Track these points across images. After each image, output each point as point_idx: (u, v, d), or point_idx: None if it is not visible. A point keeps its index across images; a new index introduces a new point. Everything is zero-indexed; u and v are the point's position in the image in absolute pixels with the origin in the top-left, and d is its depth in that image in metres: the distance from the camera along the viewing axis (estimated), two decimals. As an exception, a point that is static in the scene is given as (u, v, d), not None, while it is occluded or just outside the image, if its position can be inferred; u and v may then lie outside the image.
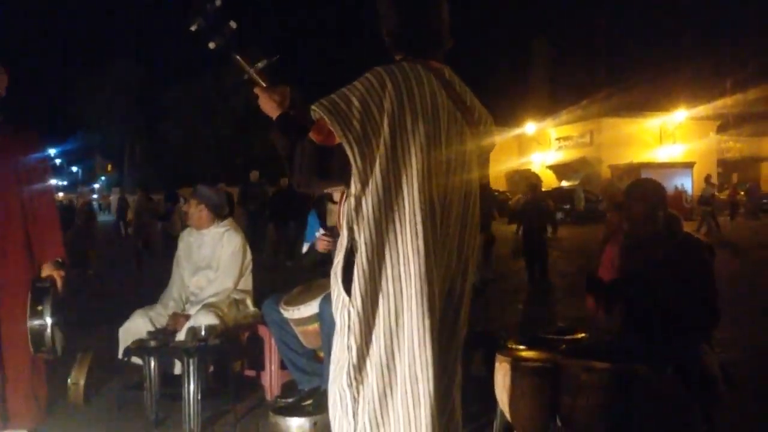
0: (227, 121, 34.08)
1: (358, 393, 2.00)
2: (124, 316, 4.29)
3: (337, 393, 2.06)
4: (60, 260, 3.40)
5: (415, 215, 1.96)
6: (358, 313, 1.96)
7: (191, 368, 3.63)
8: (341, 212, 2.31)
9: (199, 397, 3.60)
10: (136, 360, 3.99)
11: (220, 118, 34.03)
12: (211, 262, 4.48)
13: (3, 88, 3.31)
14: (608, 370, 2.56)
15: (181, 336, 4.02)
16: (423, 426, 1.99)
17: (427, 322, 1.96)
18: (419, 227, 1.96)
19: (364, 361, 1.99)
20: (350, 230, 1.97)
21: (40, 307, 3.15)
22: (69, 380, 4.09)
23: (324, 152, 1.96)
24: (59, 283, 3.32)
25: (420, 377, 1.97)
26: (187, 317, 4.17)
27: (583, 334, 3.41)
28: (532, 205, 10.04)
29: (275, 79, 2.05)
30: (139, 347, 3.90)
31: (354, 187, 1.95)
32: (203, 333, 3.88)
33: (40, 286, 3.24)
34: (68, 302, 3.44)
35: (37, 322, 3.14)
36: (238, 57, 2.03)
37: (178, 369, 4.03)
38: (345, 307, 1.99)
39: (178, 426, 3.63)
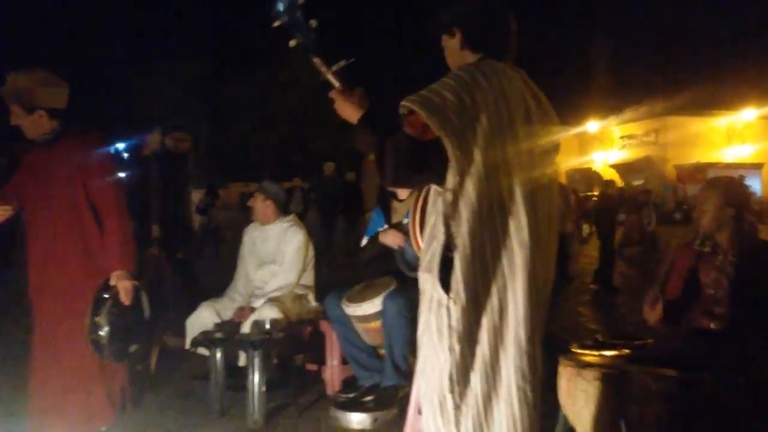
0: (285, 118, 34.53)
1: (461, 399, 1.89)
2: (192, 307, 4.43)
3: (435, 400, 1.94)
4: (125, 270, 3.35)
5: (517, 207, 1.91)
6: (462, 311, 1.86)
7: (256, 360, 3.72)
8: (417, 208, 2.20)
9: (263, 389, 3.69)
10: (202, 350, 4.12)
11: (278, 114, 34.51)
12: (275, 256, 4.57)
13: (64, 101, 3.38)
14: (677, 379, 2.51)
15: (245, 328, 4.12)
16: (528, 427, 1.92)
17: (532, 317, 1.91)
18: (523, 219, 1.91)
19: (468, 363, 1.88)
20: (446, 225, 1.88)
21: (98, 319, 3.19)
22: (138, 368, 4.24)
23: (421, 147, 1.88)
24: (122, 294, 3.30)
25: (528, 376, 1.92)
26: (252, 310, 4.26)
27: (649, 340, 3.35)
28: (606, 204, 9.76)
29: (350, 82, 2.05)
30: (206, 338, 4.03)
31: (451, 180, 1.87)
32: (267, 326, 3.97)
33: (100, 297, 3.26)
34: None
35: (94, 334, 3.19)
36: (316, 57, 2.04)
37: (242, 361, 4.13)
38: (442, 307, 1.89)
39: (242, 417, 3.72)
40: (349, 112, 2.02)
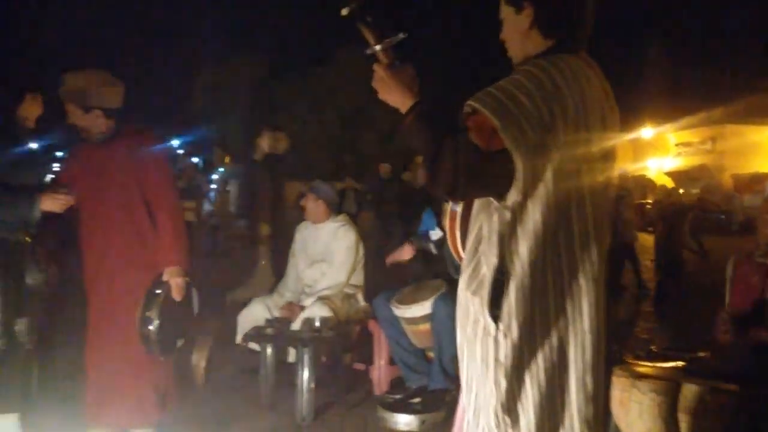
0: (336, 118, 34.82)
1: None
2: (243, 303, 4.51)
3: (481, 428, 1.78)
4: (179, 266, 3.39)
5: (588, 235, 1.70)
6: (513, 346, 1.66)
7: (305, 357, 3.77)
8: (456, 216, 1.98)
9: (312, 386, 3.74)
10: (253, 345, 4.19)
11: (329, 114, 34.83)
12: (326, 255, 4.62)
13: (119, 100, 3.44)
14: (735, 393, 2.46)
15: (295, 326, 4.18)
16: None
17: (600, 360, 1.71)
18: (594, 250, 1.70)
19: (517, 400, 1.69)
20: (500, 246, 1.67)
21: (148, 313, 3.24)
22: (191, 361, 4.34)
23: (485, 158, 1.63)
24: (174, 290, 3.34)
25: (592, 423, 1.72)
26: (302, 308, 4.32)
27: (704, 352, 3.28)
28: (670, 212, 9.44)
29: (402, 60, 1.80)
30: (257, 333, 4.10)
31: (513, 197, 1.66)
32: (317, 324, 4.02)
33: (151, 292, 3.31)
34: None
35: (144, 328, 3.23)
36: (365, 28, 1.78)
37: (291, 357, 4.19)
38: (489, 336, 1.68)
39: (291, 412, 3.78)
40: (396, 95, 1.75)
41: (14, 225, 3.12)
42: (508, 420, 1.69)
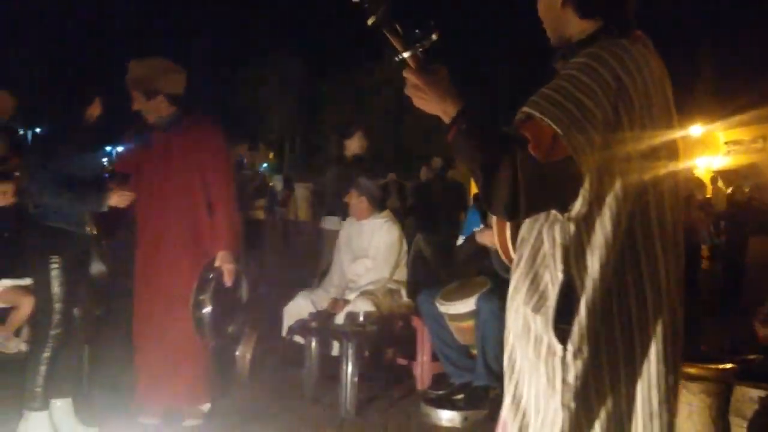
0: (379, 114, 34.88)
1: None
2: (288, 296, 4.57)
3: None
4: (231, 252, 3.49)
5: (653, 244, 1.56)
6: (584, 366, 1.54)
7: (349, 351, 3.81)
8: (522, 233, 1.71)
9: (356, 380, 3.77)
10: (297, 338, 4.25)
11: (372, 110, 34.91)
12: (369, 251, 4.65)
13: (182, 87, 3.54)
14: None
15: (339, 320, 4.22)
16: None
17: (667, 377, 1.58)
18: (660, 261, 1.56)
19: (583, 423, 1.58)
20: (565, 260, 1.53)
21: (202, 297, 3.33)
22: (237, 353, 4.41)
23: (550, 171, 1.47)
24: (227, 276, 3.43)
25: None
26: (346, 302, 4.36)
27: (755, 355, 3.21)
28: (735, 213, 9.10)
29: (432, 63, 1.63)
30: (302, 327, 4.16)
31: (577, 208, 1.51)
32: (361, 319, 4.06)
33: (205, 277, 3.40)
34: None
35: (198, 312, 3.33)
36: (392, 35, 1.63)
37: (335, 351, 4.23)
38: (555, 356, 1.54)
39: (334, 406, 3.82)
40: (434, 103, 1.58)
41: (81, 219, 3.24)
42: None
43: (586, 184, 1.49)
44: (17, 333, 4.30)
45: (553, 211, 1.56)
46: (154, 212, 3.50)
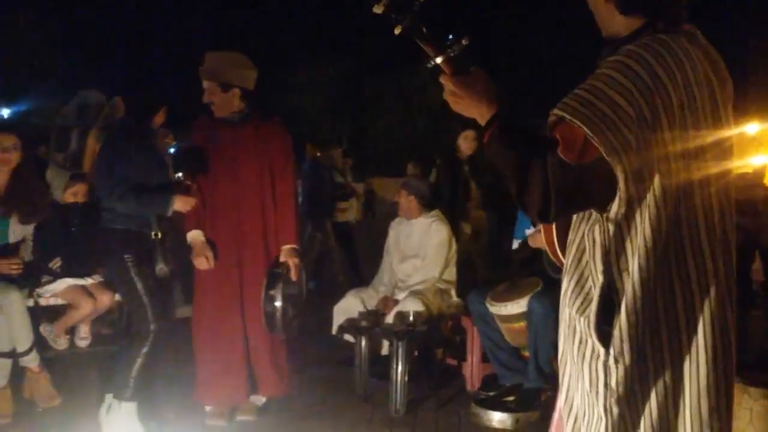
0: (424, 114, 34.85)
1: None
2: (338, 295, 4.61)
3: None
4: (295, 247, 3.58)
5: (701, 242, 1.52)
6: (625, 372, 1.50)
7: (399, 351, 3.81)
8: (570, 234, 1.68)
9: (406, 379, 3.78)
10: (348, 337, 4.28)
11: (417, 111, 34.90)
12: (418, 251, 4.66)
13: (253, 83, 3.59)
14: None
15: (389, 319, 4.24)
16: None
17: (718, 383, 1.53)
18: (708, 260, 1.52)
19: (628, 428, 1.55)
20: (606, 262, 1.52)
21: (272, 292, 3.40)
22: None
23: (582, 173, 1.46)
24: (293, 271, 3.51)
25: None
26: (396, 302, 4.37)
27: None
28: None
29: (465, 65, 1.62)
30: (352, 326, 4.19)
31: (615, 209, 1.49)
32: (411, 318, 4.07)
33: (274, 272, 3.47)
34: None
35: (269, 306, 3.40)
36: (422, 41, 1.63)
37: (385, 350, 4.25)
38: (598, 360, 1.53)
39: (384, 404, 3.83)
40: (471, 107, 1.57)
41: (146, 221, 3.34)
42: None
43: (622, 185, 1.46)
44: (70, 331, 4.43)
45: (594, 212, 1.54)
46: (227, 206, 3.52)
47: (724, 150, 1.56)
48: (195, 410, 3.64)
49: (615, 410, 1.52)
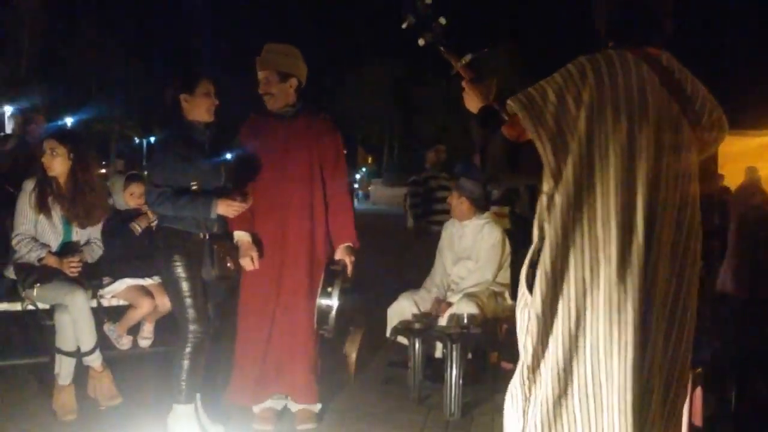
0: (474, 118, 34.74)
1: (529, 392, 1.95)
2: (392, 297, 4.60)
3: (510, 390, 2.04)
4: (351, 245, 3.57)
5: (609, 219, 1.83)
6: (537, 315, 1.89)
7: (454, 353, 3.78)
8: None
9: (461, 382, 3.74)
10: (401, 339, 4.26)
11: (467, 115, 34.79)
12: (471, 253, 4.62)
13: (305, 78, 3.60)
14: None
15: (442, 321, 4.21)
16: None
17: (616, 332, 1.84)
18: (613, 232, 1.82)
19: (539, 364, 1.93)
20: (540, 229, 1.90)
21: (330, 289, 3.40)
22: (344, 352, 4.47)
23: (513, 148, 1.93)
24: (349, 268, 3.51)
25: (605, 385, 1.87)
26: (449, 304, 4.34)
27: None
28: None
29: (482, 73, 2.10)
30: (405, 328, 4.17)
31: (546, 184, 1.88)
32: (465, 321, 4.03)
33: (332, 269, 3.46)
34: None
35: (325, 302, 3.40)
36: (446, 52, 2.15)
37: (438, 352, 4.23)
38: (526, 307, 1.93)
39: (439, 407, 3.81)
40: (473, 103, 2.07)
41: (197, 222, 3.34)
42: (531, 377, 1.94)
43: (546, 166, 1.87)
44: (135, 331, 4.54)
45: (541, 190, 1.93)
46: (278, 201, 3.50)
47: (640, 150, 1.84)
48: (243, 413, 3.65)
49: (530, 348, 1.93)
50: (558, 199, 1.86)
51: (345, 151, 3.80)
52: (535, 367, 1.93)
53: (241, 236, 3.50)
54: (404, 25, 2.15)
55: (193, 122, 3.42)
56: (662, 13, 1.96)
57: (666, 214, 1.86)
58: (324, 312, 3.41)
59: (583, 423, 1.89)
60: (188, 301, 3.29)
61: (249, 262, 3.46)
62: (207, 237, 3.35)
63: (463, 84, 2.10)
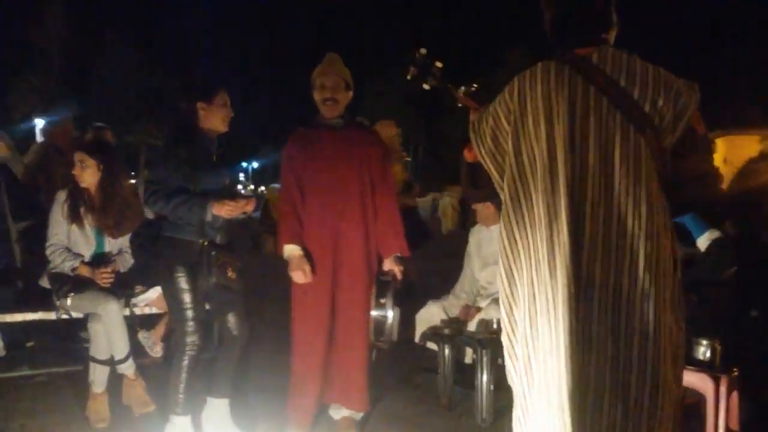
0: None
1: (513, 393, 2.20)
2: (421, 303, 4.59)
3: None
4: (400, 254, 3.51)
5: (540, 222, 1.99)
6: (504, 317, 2.15)
7: (484, 359, 3.76)
8: None
9: (491, 388, 3.72)
10: (430, 345, 4.25)
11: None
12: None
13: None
14: None
15: (472, 327, 4.19)
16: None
17: (560, 328, 1.95)
18: (544, 234, 1.98)
19: (512, 364, 2.16)
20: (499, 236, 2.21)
21: (383, 300, 3.36)
22: (372, 356, 4.47)
23: (472, 168, 2.35)
24: (398, 277, 3.45)
25: (551, 384, 1.97)
26: (478, 309, 4.32)
27: None
28: None
29: (483, 100, 2.36)
30: (434, 333, 4.16)
31: (500, 195, 2.16)
32: (494, 326, 4.00)
33: (383, 280, 3.43)
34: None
35: (379, 313, 3.36)
36: (450, 87, 2.50)
37: (468, 358, 4.20)
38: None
39: (470, 413, 3.79)
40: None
41: (201, 230, 3.30)
42: (510, 378, 2.21)
43: (493, 179, 2.21)
44: (166, 338, 4.58)
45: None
46: (328, 211, 3.43)
47: (553, 153, 1.99)
48: (271, 419, 3.66)
49: (505, 346, 2.21)
50: (504, 209, 2.11)
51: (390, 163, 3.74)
52: (510, 368, 2.18)
53: (291, 250, 3.41)
54: (409, 77, 2.45)
55: (205, 130, 3.44)
56: (590, 12, 2.04)
57: (598, 213, 1.91)
58: (380, 324, 3.37)
59: (540, 423, 2.03)
60: (189, 313, 3.28)
61: (301, 276, 3.37)
62: (206, 243, 3.32)
63: (470, 111, 2.38)
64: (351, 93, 3.56)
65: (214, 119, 3.43)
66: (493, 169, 2.17)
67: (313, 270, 3.41)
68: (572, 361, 1.91)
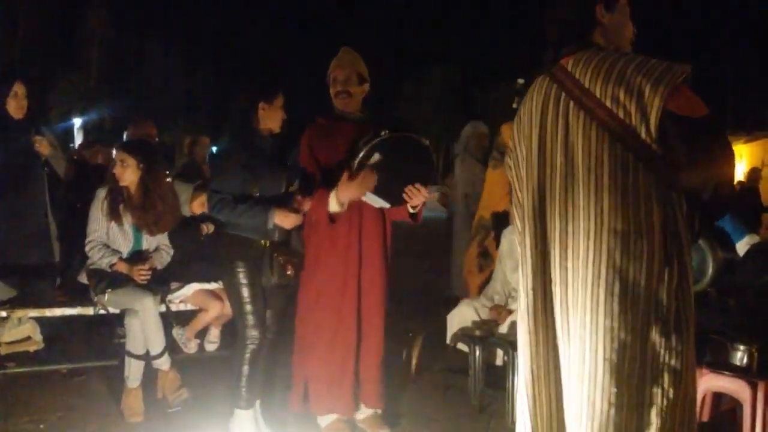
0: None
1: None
2: (451, 304, 4.58)
3: None
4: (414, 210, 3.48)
5: (524, 230, 2.13)
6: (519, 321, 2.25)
7: (515, 361, 3.73)
8: None
9: (522, 390, 3.69)
10: (461, 346, 4.24)
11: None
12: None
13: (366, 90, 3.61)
14: None
15: (503, 329, 4.17)
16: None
17: (539, 335, 2.08)
18: (527, 240, 2.10)
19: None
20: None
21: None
22: (403, 357, 4.49)
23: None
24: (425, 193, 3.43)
25: (527, 386, 2.13)
26: (510, 311, 4.29)
27: None
28: None
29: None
30: (465, 335, 4.15)
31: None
32: (526, 328, 3.97)
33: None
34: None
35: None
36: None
37: (499, 360, 4.18)
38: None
39: (501, 415, 3.77)
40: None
41: (257, 229, 3.35)
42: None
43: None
44: (202, 335, 4.65)
45: None
46: (345, 213, 3.39)
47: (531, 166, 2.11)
48: (300, 420, 3.67)
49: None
50: (514, 220, 2.26)
51: None
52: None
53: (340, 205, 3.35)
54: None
55: (263, 131, 3.48)
56: (564, 22, 2.10)
57: (564, 216, 1.98)
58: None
59: (533, 420, 2.11)
60: (248, 306, 3.34)
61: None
62: (267, 244, 3.38)
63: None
64: (366, 86, 3.56)
65: (272, 120, 3.48)
66: (515, 187, 2.28)
67: (331, 265, 3.45)
68: (549, 363, 2.07)
